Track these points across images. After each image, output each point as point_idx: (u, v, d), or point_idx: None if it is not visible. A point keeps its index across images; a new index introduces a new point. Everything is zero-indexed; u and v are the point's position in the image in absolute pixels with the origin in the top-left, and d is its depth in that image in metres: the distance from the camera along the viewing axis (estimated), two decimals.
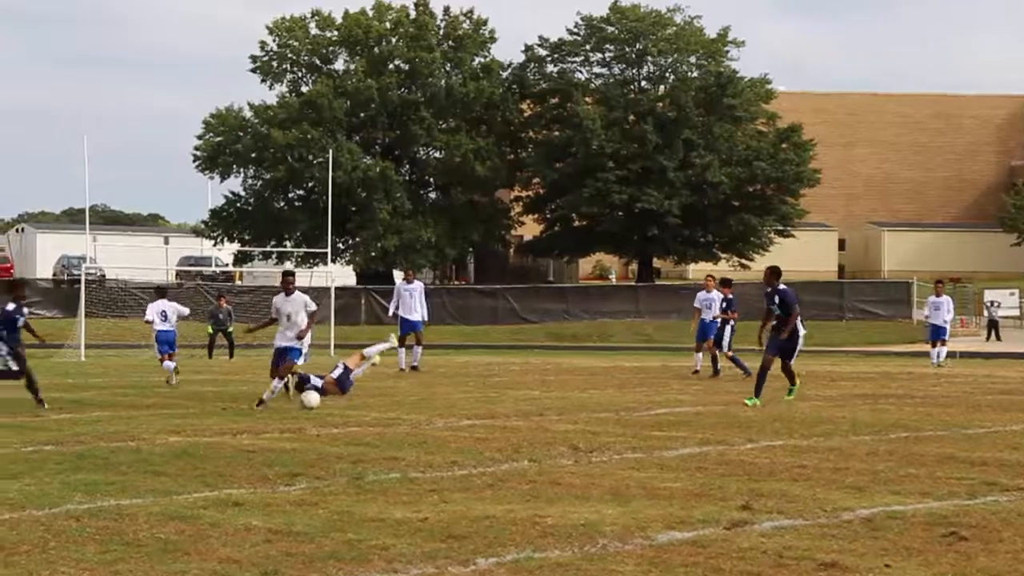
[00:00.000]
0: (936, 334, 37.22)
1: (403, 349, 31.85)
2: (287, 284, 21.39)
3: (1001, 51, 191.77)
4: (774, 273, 22.11)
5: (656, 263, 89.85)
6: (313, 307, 21.35)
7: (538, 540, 9.10)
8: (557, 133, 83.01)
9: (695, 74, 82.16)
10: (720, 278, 31.48)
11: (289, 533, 9.37)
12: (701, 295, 31.18)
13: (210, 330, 43.72)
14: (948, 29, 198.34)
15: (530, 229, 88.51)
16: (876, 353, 49.22)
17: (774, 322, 22.02)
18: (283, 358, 20.96)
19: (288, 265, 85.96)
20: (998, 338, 66.28)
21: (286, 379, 21.29)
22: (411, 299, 31.79)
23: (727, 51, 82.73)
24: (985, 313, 73.09)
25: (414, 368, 31.49)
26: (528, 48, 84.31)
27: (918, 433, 16.57)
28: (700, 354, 30.72)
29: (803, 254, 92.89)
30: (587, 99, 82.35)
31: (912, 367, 37.00)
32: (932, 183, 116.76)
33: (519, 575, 8.02)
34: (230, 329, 43.45)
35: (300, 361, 21.34)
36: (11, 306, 20.90)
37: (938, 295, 38.17)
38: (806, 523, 9.76)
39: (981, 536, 9.17)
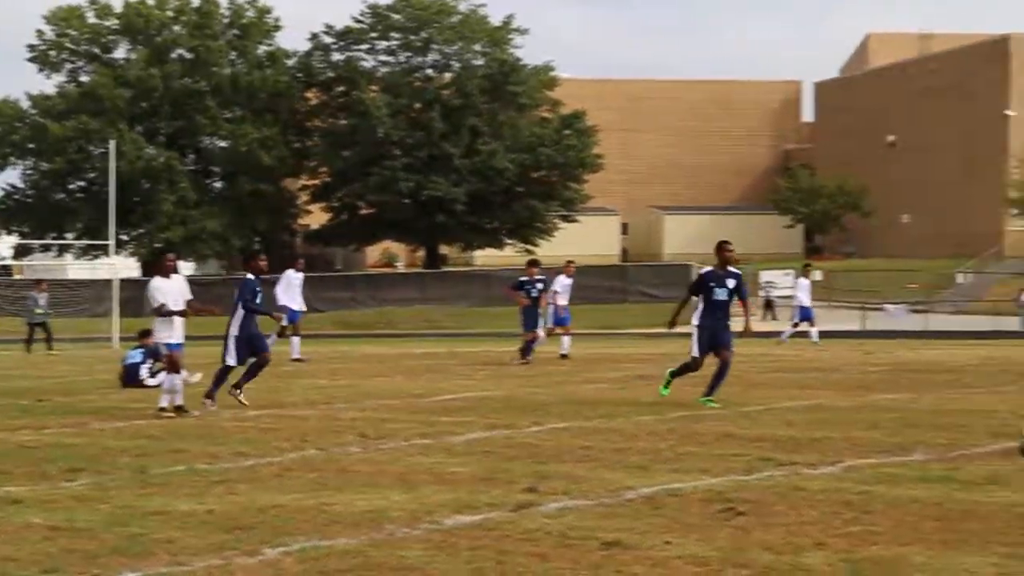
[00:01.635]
0: (805, 314, 38.40)
1: (296, 338, 31.37)
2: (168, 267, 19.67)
3: (774, 37, 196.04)
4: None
5: (443, 250, 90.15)
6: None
7: (325, 528, 9.07)
8: (343, 121, 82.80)
9: (480, 62, 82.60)
10: (529, 260, 31.48)
11: (70, 529, 9.18)
12: (562, 280, 31.40)
13: (30, 320, 41.57)
14: (724, 15, 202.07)
15: (317, 218, 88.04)
16: (658, 335, 49.92)
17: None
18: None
19: (68, 257, 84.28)
20: (774, 317, 68.00)
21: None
22: (298, 288, 31.49)
23: (511, 39, 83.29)
24: (761, 293, 74.90)
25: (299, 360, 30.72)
26: (314, 36, 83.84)
27: (698, 412, 16.89)
28: (537, 342, 30.39)
29: (587, 239, 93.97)
30: (373, 87, 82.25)
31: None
32: (711, 168, 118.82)
33: (306, 564, 7.98)
34: (44, 320, 41.49)
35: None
36: None
37: (806, 276, 39.83)
38: (590, 503, 9.88)
39: (757, 511, 9.38)
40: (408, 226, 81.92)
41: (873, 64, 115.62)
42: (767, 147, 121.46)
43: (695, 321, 18.18)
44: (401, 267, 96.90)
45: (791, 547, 8.14)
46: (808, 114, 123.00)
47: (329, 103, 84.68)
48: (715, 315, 17.99)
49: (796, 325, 39.50)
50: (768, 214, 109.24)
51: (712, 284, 17.91)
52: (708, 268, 18.45)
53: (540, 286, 29.82)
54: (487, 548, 8.28)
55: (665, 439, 13.87)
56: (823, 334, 39.39)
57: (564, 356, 30.18)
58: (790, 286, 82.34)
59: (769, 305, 71.22)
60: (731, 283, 18.04)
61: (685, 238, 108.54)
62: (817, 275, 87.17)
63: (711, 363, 18.06)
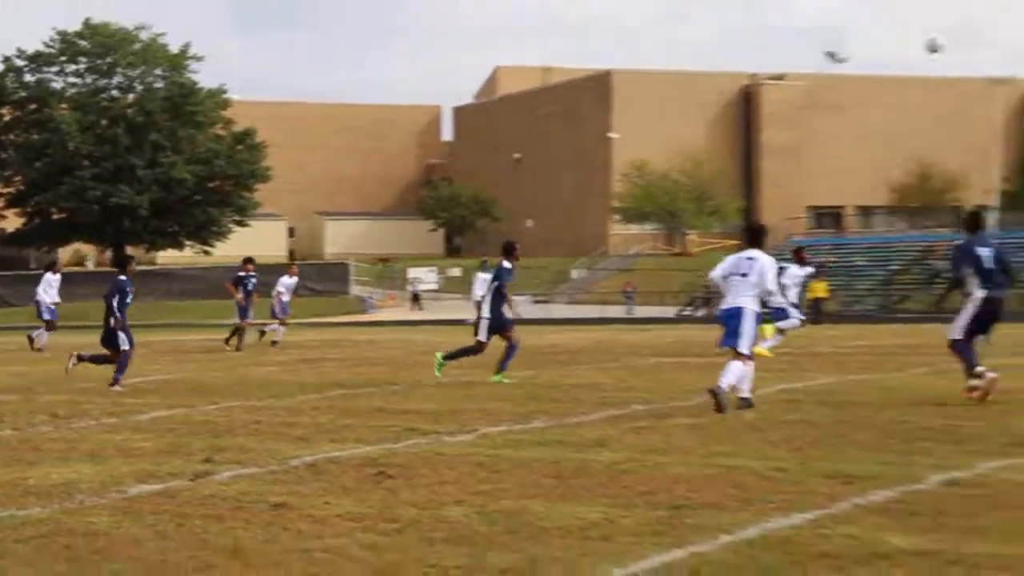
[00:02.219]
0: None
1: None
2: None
3: (419, 66, 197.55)
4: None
5: (129, 250, 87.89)
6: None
7: (21, 499, 8.75)
8: (36, 136, 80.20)
9: (161, 84, 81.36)
10: (245, 257, 31.00)
11: None
12: (286, 280, 31.51)
13: None
14: (375, 47, 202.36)
15: (12, 222, 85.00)
16: (321, 324, 49.81)
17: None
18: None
19: None
20: (420, 308, 68.65)
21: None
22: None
23: (187, 64, 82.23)
24: (408, 287, 75.60)
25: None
26: (7, 59, 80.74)
27: (355, 391, 16.90)
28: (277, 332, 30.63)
29: (257, 241, 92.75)
30: (63, 106, 79.96)
31: (353, 335, 37.57)
32: (367, 179, 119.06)
33: (3, 532, 7.68)
34: None
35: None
36: None
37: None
38: (260, 471, 9.80)
39: (404, 474, 9.46)
40: (97, 229, 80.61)
41: (501, 92, 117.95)
42: (414, 162, 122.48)
43: (487, 312, 18.27)
44: (91, 266, 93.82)
45: (433, 503, 8.24)
46: (448, 134, 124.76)
47: (22, 119, 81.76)
48: (503, 303, 18.33)
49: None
50: (415, 219, 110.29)
51: (509, 279, 18.16)
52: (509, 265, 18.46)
53: (255, 281, 29.56)
54: (169, 512, 8.14)
55: (326, 414, 13.85)
56: (465, 323, 39.85)
57: (275, 343, 30.03)
58: (435, 281, 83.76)
59: (416, 298, 71.94)
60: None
61: (344, 240, 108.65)
62: (456, 271, 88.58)
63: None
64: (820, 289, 52.75)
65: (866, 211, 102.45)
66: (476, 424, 12.48)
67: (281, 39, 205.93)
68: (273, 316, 31.39)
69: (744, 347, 13.71)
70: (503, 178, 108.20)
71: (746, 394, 13.64)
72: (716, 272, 14.32)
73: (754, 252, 14.22)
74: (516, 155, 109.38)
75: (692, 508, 7.79)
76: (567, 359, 23.35)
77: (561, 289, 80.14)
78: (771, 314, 22.37)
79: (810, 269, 26.30)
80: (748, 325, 13.83)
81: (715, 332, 15.08)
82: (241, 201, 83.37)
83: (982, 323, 13.96)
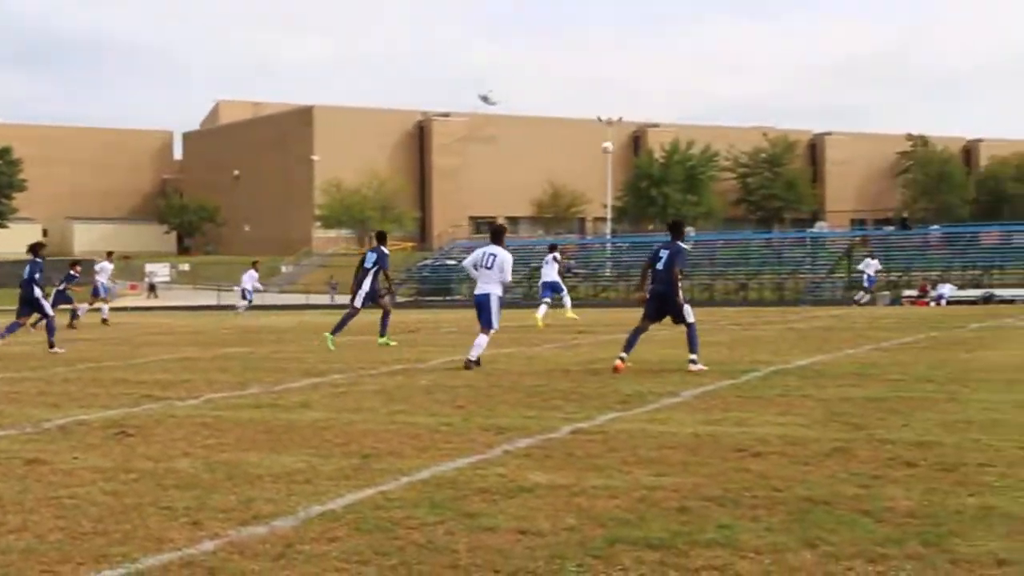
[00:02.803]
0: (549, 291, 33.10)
1: None
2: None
3: (154, 95, 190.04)
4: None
5: None
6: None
7: None
8: None
9: None
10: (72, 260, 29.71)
11: None
12: (105, 264, 31.03)
13: None
14: (120, 75, 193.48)
15: None
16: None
17: None
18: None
19: None
20: (156, 296, 66.12)
21: None
22: None
23: None
24: (146, 280, 72.66)
25: None
26: None
27: (100, 364, 16.13)
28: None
29: (16, 241, 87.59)
30: None
31: (97, 319, 35.76)
32: (113, 190, 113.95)
33: None
34: None
35: None
36: None
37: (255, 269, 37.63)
38: (17, 432, 9.21)
39: (141, 433, 9.09)
40: None
41: (222, 122, 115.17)
42: (151, 176, 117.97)
43: (367, 287, 18.65)
44: None
45: (166, 456, 7.95)
46: (179, 154, 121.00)
47: None
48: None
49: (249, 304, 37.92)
50: (152, 224, 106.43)
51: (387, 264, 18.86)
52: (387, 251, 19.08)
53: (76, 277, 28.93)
54: None
55: (76, 384, 13.15)
56: (194, 309, 38.50)
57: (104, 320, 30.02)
58: (168, 275, 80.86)
59: (152, 288, 69.31)
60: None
61: (91, 240, 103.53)
62: (185, 267, 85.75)
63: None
64: None
65: (514, 220, 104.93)
66: (202, 391, 12.12)
67: (43, 71, 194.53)
68: (97, 296, 30.27)
69: (494, 325, 14.40)
70: (225, 191, 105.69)
71: (474, 357, 14.22)
72: (467, 262, 14.97)
73: (495, 248, 14.70)
74: (235, 172, 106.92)
75: (378, 456, 7.77)
76: (277, 338, 22.94)
77: (273, 281, 78.71)
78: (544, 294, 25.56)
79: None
80: (494, 307, 14.43)
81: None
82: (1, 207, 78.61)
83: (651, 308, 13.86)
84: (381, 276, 18.92)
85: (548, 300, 26.17)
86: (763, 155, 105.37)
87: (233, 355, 17.53)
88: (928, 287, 46.69)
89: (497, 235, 15.03)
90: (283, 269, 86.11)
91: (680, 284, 13.78)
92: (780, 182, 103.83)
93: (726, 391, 11.19)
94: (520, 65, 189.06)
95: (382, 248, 19.13)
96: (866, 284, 41.14)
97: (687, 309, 13.74)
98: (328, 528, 5.72)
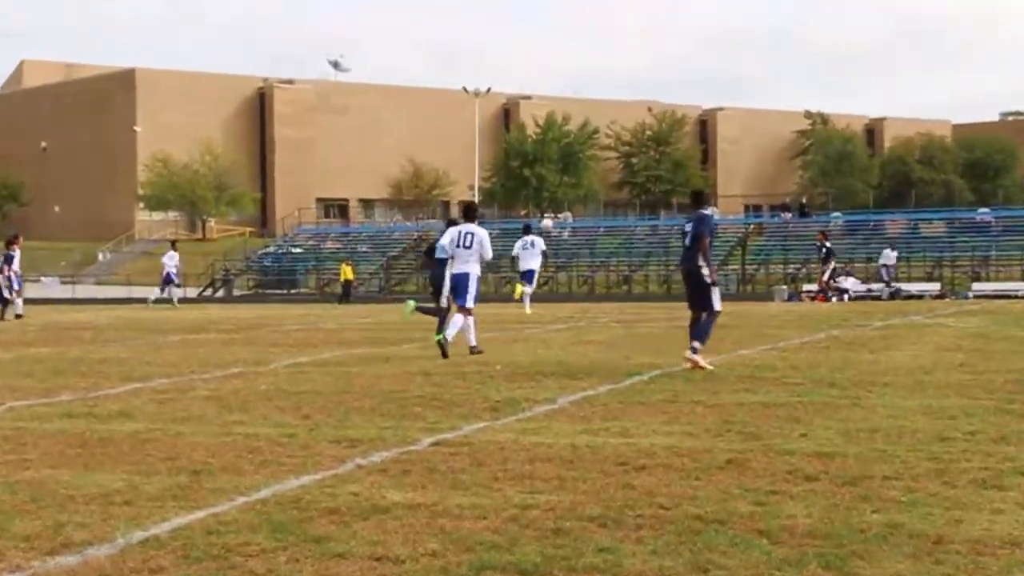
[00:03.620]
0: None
1: None
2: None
3: None
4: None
5: None
6: None
7: None
8: None
9: None
10: None
11: None
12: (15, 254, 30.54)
13: None
14: None
15: None
16: None
17: None
18: None
19: None
20: None
21: None
22: None
23: None
24: None
25: None
26: None
27: None
28: None
29: None
30: None
31: None
32: None
33: None
34: None
35: None
36: None
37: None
38: None
39: None
40: None
41: (27, 85, 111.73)
42: None
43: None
44: None
45: None
46: None
47: None
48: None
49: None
50: None
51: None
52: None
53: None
54: None
55: None
56: None
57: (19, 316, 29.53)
58: None
59: None
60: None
61: None
62: None
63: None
64: (348, 272, 53.44)
65: (368, 203, 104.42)
66: (2, 399, 11.73)
67: None
68: (11, 290, 30.20)
69: (469, 303, 15.95)
70: (31, 165, 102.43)
71: (474, 342, 15.94)
72: (444, 241, 16.47)
73: (471, 226, 16.31)
74: (43, 144, 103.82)
75: (211, 473, 7.63)
76: (93, 336, 22.40)
77: (88, 271, 76.81)
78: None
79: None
80: (473, 286, 16.04)
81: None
82: None
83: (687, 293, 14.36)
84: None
85: (528, 289, 28.70)
86: (648, 132, 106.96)
87: (40, 356, 17.06)
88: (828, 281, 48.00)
89: (471, 212, 16.71)
90: (100, 257, 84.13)
91: (710, 261, 13.95)
92: (667, 162, 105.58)
93: (608, 397, 11.30)
94: (377, 29, 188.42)
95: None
96: (884, 277, 42.65)
97: (716, 294, 13.93)
98: (151, 557, 5.58)
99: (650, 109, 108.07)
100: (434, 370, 14.14)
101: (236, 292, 64.83)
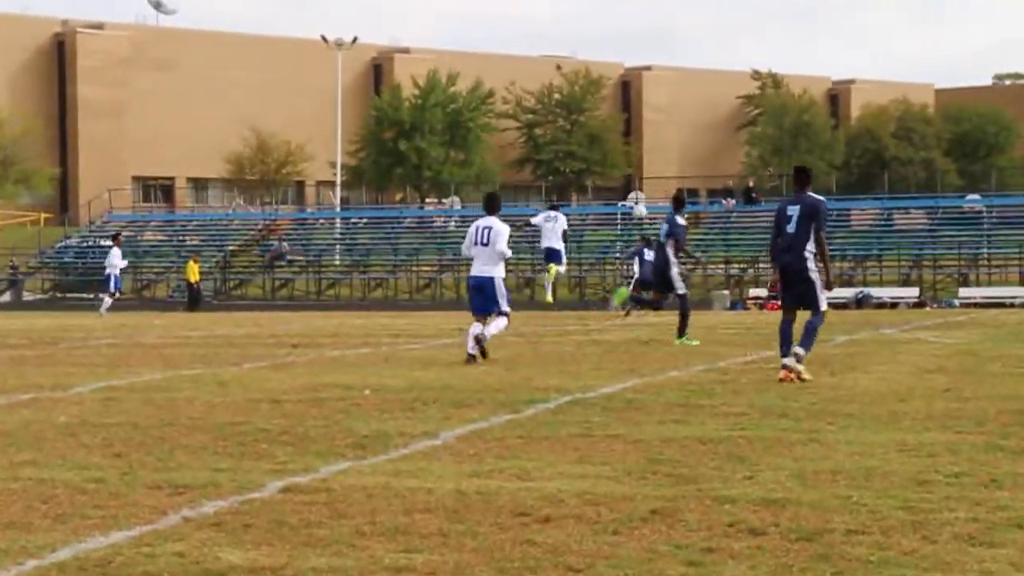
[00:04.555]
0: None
1: None
2: None
3: None
4: None
5: None
6: None
7: None
8: None
9: None
10: None
11: None
12: None
13: None
14: None
15: None
16: None
17: None
18: None
19: None
20: None
21: None
22: None
23: None
24: None
25: None
26: None
27: None
28: None
29: None
30: None
31: None
32: None
33: None
34: None
35: None
36: None
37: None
38: None
39: None
40: None
41: None
42: None
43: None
44: None
45: None
46: None
47: None
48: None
49: None
50: None
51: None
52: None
53: None
54: None
55: None
56: None
57: None
58: None
59: None
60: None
61: None
62: None
63: None
64: (194, 272, 52.94)
65: (201, 183, 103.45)
66: None
67: None
68: None
69: (504, 307, 18.32)
70: None
71: (484, 342, 17.88)
72: (464, 245, 18.77)
73: (490, 220, 18.32)
74: None
75: None
76: None
77: None
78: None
79: None
80: (500, 289, 18.27)
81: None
82: None
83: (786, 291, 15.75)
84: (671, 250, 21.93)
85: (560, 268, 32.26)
86: (557, 96, 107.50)
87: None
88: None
89: (492, 203, 18.76)
90: None
91: (826, 255, 15.09)
92: (580, 135, 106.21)
93: (504, 430, 11.34)
94: None
95: (676, 216, 22.17)
96: None
97: (822, 292, 15.04)
98: None
99: (559, 67, 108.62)
100: (285, 396, 14.08)
101: (27, 296, 63.85)
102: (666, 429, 11.30)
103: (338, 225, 74.84)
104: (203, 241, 69.99)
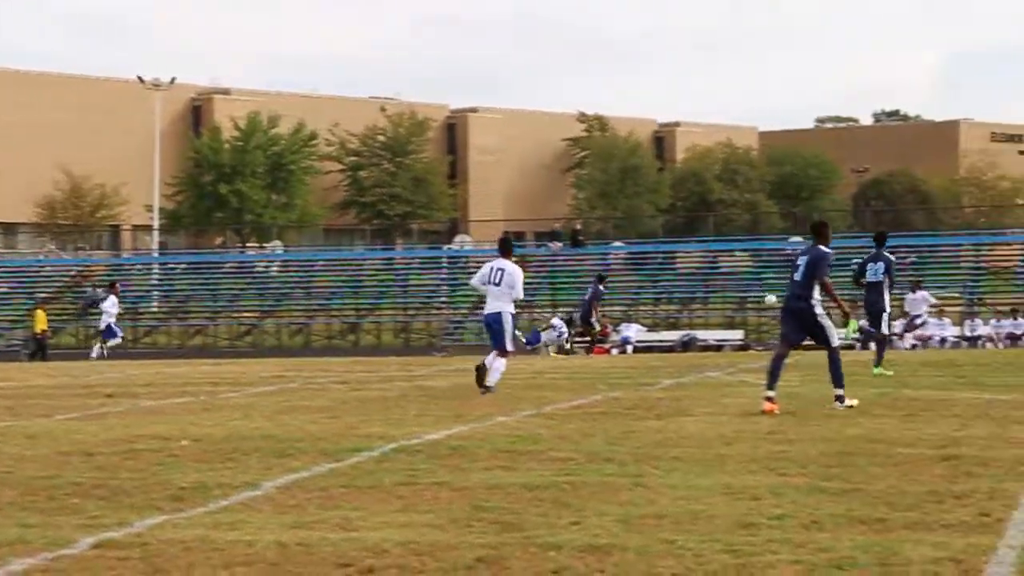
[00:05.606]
0: None
1: None
2: None
3: None
4: None
5: None
6: None
7: None
8: None
9: None
10: None
11: None
12: None
13: None
14: None
15: None
16: None
17: None
18: None
19: None
20: None
21: None
22: None
23: None
24: None
25: None
26: None
27: None
28: None
29: None
30: None
31: None
32: None
33: None
34: None
35: None
36: None
37: None
38: None
39: None
40: None
41: None
42: None
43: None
44: None
45: None
46: None
47: None
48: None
49: None
50: None
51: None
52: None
53: None
54: None
55: None
56: None
57: None
58: None
59: None
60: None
61: None
62: None
63: None
64: (42, 321, 51.65)
65: (9, 228, 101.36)
66: None
67: None
68: None
69: (508, 346, 19.82)
70: None
71: (491, 383, 19.52)
72: (475, 280, 20.42)
73: (503, 262, 19.85)
74: None
75: None
76: None
77: None
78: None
79: None
80: (508, 327, 19.77)
81: None
82: None
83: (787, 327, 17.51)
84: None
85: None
86: (381, 138, 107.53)
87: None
88: (609, 328, 49.18)
89: (506, 247, 20.29)
90: None
91: (836, 297, 16.94)
92: (405, 177, 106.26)
93: (326, 479, 11.30)
94: None
95: (884, 253, 23.86)
96: (912, 321, 43.96)
97: (831, 329, 16.69)
98: None
99: (383, 109, 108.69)
100: (98, 448, 13.84)
101: None
102: (492, 476, 11.34)
103: (155, 271, 73.85)
104: (12, 288, 68.55)
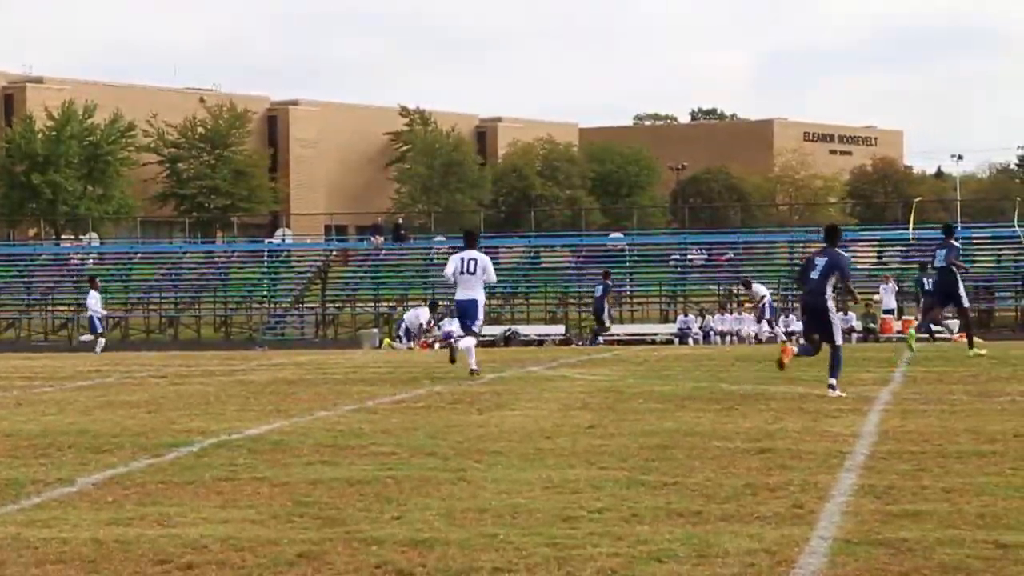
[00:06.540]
0: None
1: None
2: None
3: None
4: None
5: None
6: None
7: None
8: None
9: None
10: None
11: None
12: None
13: None
14: None
15: None
16: None
17: None
18: None
19: None
20: None
21: None
22: None
23: None
24: None
25: None
26: None
27: None
28: None
29: None
30: None
31: None
32: None
33: None
34: None
35: None
36: None
37: None
38: None
39: None
40: None
41: None
42: None
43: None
44: None
45: None
46: None
47: None
48: None
49: None
50: None
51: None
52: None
53: None
54: None
55: None
56: None
57: None
58: None
59: None
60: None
61: None
62: None
63: None
64: None
65: None
66: None
67: None
68: None
69: (477, 328, 22.23)
70: None
71: (475, 366, 21.74)
72: (448, 271, 22.05)
73: (474, 253, 21.85)
74: None
75: None
76: None
77: None
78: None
79: None
80: (480, 312, 22.06)
81: None
82: None
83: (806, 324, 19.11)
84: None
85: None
86: (201, 130, 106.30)
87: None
88: (433, 323, 49.17)
89: (472, 238, 22.46)
90: None
91: (854, 294, 19.68)
92: (225, 170, 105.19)
93: (144, 475, 11.15)
94: None
95: (951, 242, 26.25)
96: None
97: (837, 327, 18.03)
98: None
99: (203, 100, 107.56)
100: None
101: None
102: (313, 471, 11.29)
103: None
104: None
